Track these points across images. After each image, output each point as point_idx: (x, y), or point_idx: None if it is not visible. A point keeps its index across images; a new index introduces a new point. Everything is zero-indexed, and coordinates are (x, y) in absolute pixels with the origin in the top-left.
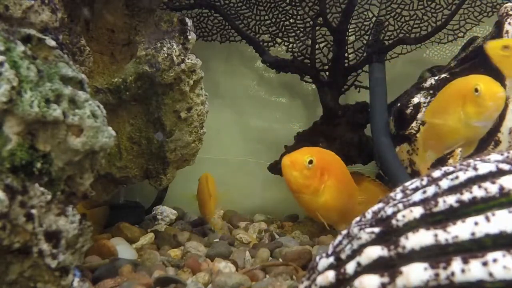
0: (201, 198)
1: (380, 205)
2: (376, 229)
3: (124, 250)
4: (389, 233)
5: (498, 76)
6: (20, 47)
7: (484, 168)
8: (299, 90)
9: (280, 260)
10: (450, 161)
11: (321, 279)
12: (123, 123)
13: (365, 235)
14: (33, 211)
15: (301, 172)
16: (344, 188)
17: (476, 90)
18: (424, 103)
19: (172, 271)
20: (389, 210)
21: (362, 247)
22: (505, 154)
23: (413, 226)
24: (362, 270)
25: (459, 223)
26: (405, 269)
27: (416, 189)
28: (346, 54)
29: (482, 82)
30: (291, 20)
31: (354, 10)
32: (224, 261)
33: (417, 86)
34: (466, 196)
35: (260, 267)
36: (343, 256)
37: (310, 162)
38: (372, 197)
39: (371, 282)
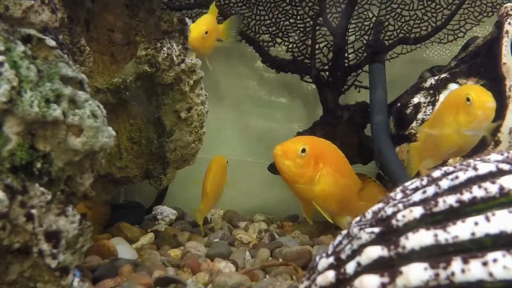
0: (203, 188)
1: (380, 205)
2: (376, 229)
3: (124, 250)
4: (389, 233)
5: (498, 76)
6: (20, 47)
7: (484, 168)
8: (299, 90)
9: (280, 260)
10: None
11: (321, 279)
12: (123, 123)
13: (365, 235)
14: (33, 211)
15: (294, 161)
16: (341, 177)
17: (468, 100)
18: (424, 103)
19: (172, 271)
20: (389, 210)
21: (362, 247)
22: (505, 154)
23: (413, 226)
24: (362, 270)
25: (459, 223)
26: (405, 269)
27: (416, 189)
28: (346, 54)
29: (474, 91)
30: (291, 20)
31: (354, 10)
32: (224, 261)
33: (417, 86)
34: (466, 196)
35: (260, 267)
36: (343, 256)
37: (303, 150)
38: (373, 197)
39: (371, 282)
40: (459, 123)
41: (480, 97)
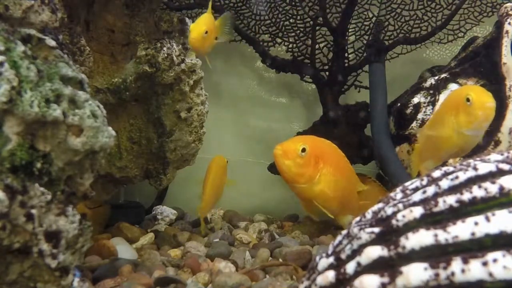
0: (203, 188)
1: (380, 205)
2: (376, 229)
3: (124, 250)
4: (389, 233)
5: (497, 76)
6: (20, 47)
7: (484, 168)
8: (299, 90)
9: (280, 260)
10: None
11: (321, 279)
12: (123, 123)
13: (365, 235)
14: (33, 211)
15: (294, 161)
16: (341, 176)
17: (468, 100)
18: (424, 103)
19: (172, 271)
20: (389, 210)
21: (362, 247)
22: (505, 154)
23: (413, 226)
24: (362, 270)
25: (459, 223)
26: (405, 269)
27: (416, 189)
28: (346, 54)
29: (474, 92)
30: (291, 20)
31: (354, 10)
32: (224, 261)
33: (417, 86)
34: (466, 196)
35: (260, 267)
36: (343, 256)
37: (303, 150)
38: (373, 197)
39: (371, 282)
40: (459, 123)
41: (480, 97)
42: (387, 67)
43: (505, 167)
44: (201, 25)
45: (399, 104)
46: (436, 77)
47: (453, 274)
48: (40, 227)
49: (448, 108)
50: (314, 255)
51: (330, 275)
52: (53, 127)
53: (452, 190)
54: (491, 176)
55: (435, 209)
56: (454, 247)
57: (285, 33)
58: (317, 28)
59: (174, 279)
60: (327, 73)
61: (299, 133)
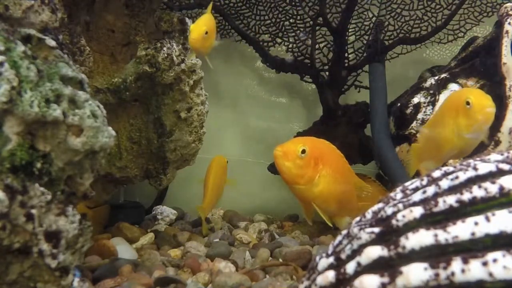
0: (204, 187)
1: (380, 205)
2: (376, 229)
3: (124, 250)
4: (389, 233)
5: (497, 76)
6: (20, 47)
7: (484, 168)
8: (299, 90)
9: (280, 260)
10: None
11: (321, 279)
12: (123, 123)
13: (365, 235)
14: (33, 211)
15: (294, 162)
16: (340, 177)
17: (468, 103)
18: (424, 103)
19: (172, 271)
20: (389, 210)
21: (362, 247)
22: (505, 154)
23: (413, 226)
24: (362, 270)
25: (459, 223)
26: (405, 269)
27: (416, 189)
28: (346, 54)
29: (474, 95)
30: (291, 20)
31: (354, 10)
32: (224, 261)
33: (417, 86)
34: (466, 196)
35: (260, 267)
36: (343, 256)
37: (303, 151)
38: (373, 197)
39: (371, 282)
40: (458, 126)
41: (480, 100)
42: (387, 67)
43: (505, 167)
44: (201, 26)
45: (399, 104)
46: (436, 77)
47: (453, 274)
48: (40, 227)
49: (448, 110)
50: (314, 255)
51: (330, 275)
52: (53, 127)
53: (452, 190)
54: (491, 176)
55: (435, 209)
56: (454, 247)
57: (285, 33)
58: (317, 28)
59: (174, 279)
60: (327, 73)
61: (299, 133)
